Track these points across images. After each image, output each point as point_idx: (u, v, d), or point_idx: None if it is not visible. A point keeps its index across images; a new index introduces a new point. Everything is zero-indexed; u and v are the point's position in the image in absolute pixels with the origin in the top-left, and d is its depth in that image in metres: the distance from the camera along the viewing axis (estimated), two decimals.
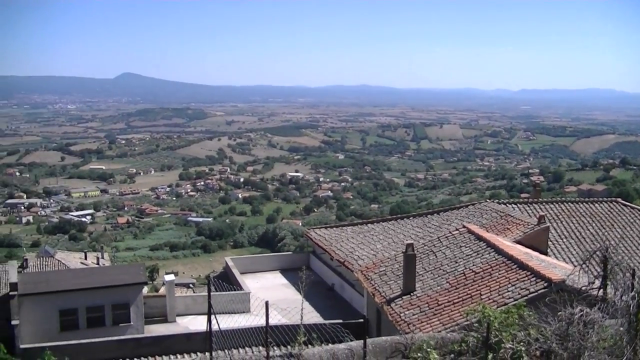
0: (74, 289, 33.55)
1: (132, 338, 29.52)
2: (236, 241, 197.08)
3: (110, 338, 28.59)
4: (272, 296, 32.18)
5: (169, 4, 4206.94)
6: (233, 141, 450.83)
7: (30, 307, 32.11)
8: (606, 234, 36.83)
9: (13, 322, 30.88)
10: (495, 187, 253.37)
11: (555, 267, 25.27)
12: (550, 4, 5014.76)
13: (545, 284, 21.71)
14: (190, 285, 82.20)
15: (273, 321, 17.36)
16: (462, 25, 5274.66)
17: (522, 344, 12.67)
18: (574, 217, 38.58)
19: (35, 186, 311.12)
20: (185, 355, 27.70)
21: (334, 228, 45.19)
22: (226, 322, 18.66)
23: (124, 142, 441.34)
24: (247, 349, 23.28)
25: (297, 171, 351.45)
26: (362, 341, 13.61)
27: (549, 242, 33.37)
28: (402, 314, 24.61)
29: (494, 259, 25.72)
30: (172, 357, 27.93)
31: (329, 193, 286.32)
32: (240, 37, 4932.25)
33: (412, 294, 25.94)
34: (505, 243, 28.17)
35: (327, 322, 25.55)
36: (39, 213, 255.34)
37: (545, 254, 30.88)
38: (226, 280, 38.92)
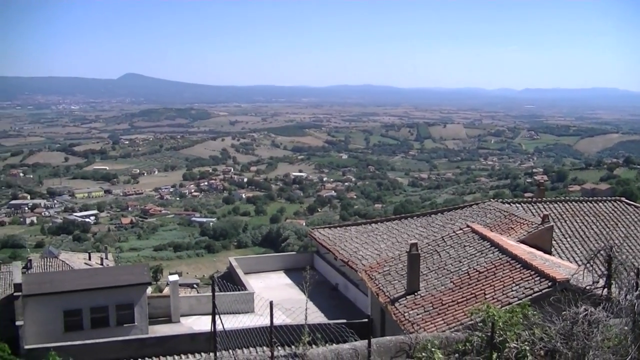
0: (78, 290, 33.60)
1: (136, 338, 29.57)
2: (240, 241, 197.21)
3: (114, 338, 28.65)
4: (276, 296, 32.10)
5: (172, 4, 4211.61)
6: (236, 141, 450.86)
7: (35, 308, 32.14)
8: (610, 233, 36.76)
9: (17, 323, 30.91)
10: (499, 187, 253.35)
11: (559, 266, 25.25)
12: (554, 3, 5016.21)
13: (550, 284, 21.68)
14: (194, 286, 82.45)
15: (277, 321, 17.37)
16: (465, 25, 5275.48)
17: (526, 343, 12.67)
18: (578, 217, 38.50)
19: (39, 187, 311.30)
20: (190, 356, 27.73)
21: (338, 228, 45.15)
22: (230, 322, 18.68)
23: (127, 142, 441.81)
24: (251, 349, 23.29)
25: (300, 171, 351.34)
26: (366, 341, 13.61)
27: (553, 242, 33.31)
28: (406, 314, 24.59)
29: (498, 258, 25.69)
30: (176, 357, 27.97)
31: (333, 193, 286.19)
32: (244, 37, 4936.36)
33: (416, 293, 25.92)
34: (509, 242, 28.14)
35: (331, 322, 25.53)
36: (42, 214, 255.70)
37: (549, 253, 30.84)
38: (230, 281, 38.94)
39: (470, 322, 15.68)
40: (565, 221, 37.79)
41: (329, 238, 42.17)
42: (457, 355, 13.39)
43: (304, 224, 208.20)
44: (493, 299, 22.42)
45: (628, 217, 38.96)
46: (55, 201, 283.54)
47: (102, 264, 74.70)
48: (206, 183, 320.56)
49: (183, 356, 27.93)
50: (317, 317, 32.48)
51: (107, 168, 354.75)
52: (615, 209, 39.82)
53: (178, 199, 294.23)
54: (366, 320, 25.15)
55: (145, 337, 30.15)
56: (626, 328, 12.50)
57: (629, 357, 11.92)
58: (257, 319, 26.26)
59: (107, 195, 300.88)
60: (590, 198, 43.54)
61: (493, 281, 24.10)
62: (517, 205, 38.81)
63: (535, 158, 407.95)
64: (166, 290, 48.24)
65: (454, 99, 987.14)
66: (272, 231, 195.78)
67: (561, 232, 36.39)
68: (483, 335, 13.14)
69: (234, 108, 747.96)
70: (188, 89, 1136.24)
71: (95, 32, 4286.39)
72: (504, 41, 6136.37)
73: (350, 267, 36.43)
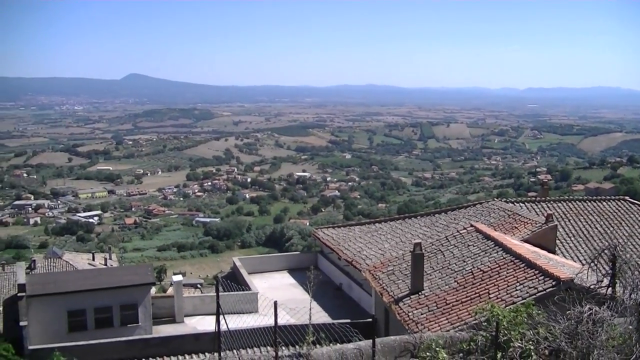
0: (82, 290, 33.57)
1: (141, 338, 29.55)
2: (244, 241, 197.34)
3: (118, 339, 28.63)
4: (280, 296, 32.18)
5: (175, 4, 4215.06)
6: (240, 141, 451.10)
7: (39, 308, 32.15)
8: (614, 232, 36.71)
9: (21, 323, 30.94)
10: (503, 186, 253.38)
11: (563, 265, 25.21)
12: (557, 3, 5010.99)
13: (554, 283, 21.67)
14: (198, 286, 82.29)
15: (281, 321, 17.36)
16: (468, 25, 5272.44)
17: (531, 342, 12.64)
18: (582, 216, 38.46)
19: (43, 187, 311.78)
20: (194, 356, 27.72)
21: (342, 228, 45.15)
22: (234, 322, 18.67)
23: (131, 142, 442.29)
24: (255, 349, 23.31)
25: (304, 171, 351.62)
26: (370, 341, 13.59)
27: (557, 241, 33.28)
28: (410, 313, 24.59)
29: (502, 257, 25.67)
30: (180, 357, 27.95)
31: (336, 193, 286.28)
32: (247, 37, 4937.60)
33: (420, 293, 25.92)
34: (513, 242, 28.11)
35: (335, 321, 25.54)
36: (46, 214, 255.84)
37: (554, 252, 30.81)
38: (234, 281, 38.92)
39: (474, 322, 15.65)
40: (569, 220, 37.75)
41: (332, 238, 42.17)
42: (461, 354, 13.36)
43: (308, 223, 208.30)
44: (497, 298, 22.40)
45: (632, 216, 38.90)
46: (58, 202, 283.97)
47: (105, 265, 74.79)
48: (210, 183, 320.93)
49: (187, 356, 27.92)
50: (321, 317, 32.55)
51: (111, 168, 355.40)
52: (619, 208, 39.77)
53: (182, 199, 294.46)
54: (370, 320, 25.14)
55: (149, 338, 30.13)
56: (631, 327, 12.48)
57: (634, 356, 11.89)
58: (261, 319, 26.28)
59: (110, 195, 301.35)
60: (594, 197, 43.55)
61: (497, 280, 24.09)
62: (521, 204, 38.77)
63: (538, 157, 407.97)
64: (170, 291, 48.18)
65: (457, 99, 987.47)
66: (275, 231, 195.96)
67: (565, 231, 36.34)
68: (487, 335, 13.11)
69: (237, 108, 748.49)
70: (191, 89, 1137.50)
71: (99, 32, 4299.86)
72: (507, 40, 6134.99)
73: (354, 266, 36.43)
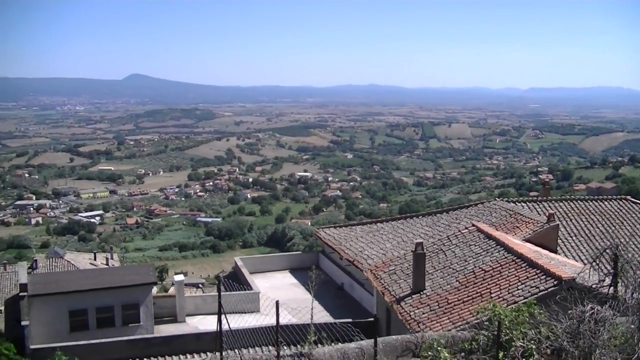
0: (84, 290, 33.58)
1: (142, 338, 29.55)
2: (245, 241, 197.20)
3: (120, 338, 28.63)
4: (281, 296, 32.10)
5: (176, 4, 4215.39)
6: (241, 141, 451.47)
7: (40, 308, 32.16)
8: (616, 231, 36.67)
9: (23, 323, 31.02)
10: (504, 186, 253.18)
11: (565, 265, 25.21)
12: (558, 3, 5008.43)
13: (556, 282, 21.67)
14: (200, 285, 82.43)
15: (283, 321, 17.34)
16: (470, 25, 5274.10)
17: (532, 342, 12.65)
18: (584, 215, 38.44)
19: (44, 187, 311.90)
20: (195, 355, 27.70)
21: (343, 227, 45.16)
22: (236, 321, 18.65)
23: (132, 143, 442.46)
24: (257, 348, 23.28)
25: (305, 171, 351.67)
26: (372, 340, 13.61)
27: (559, 240, 33.24)
28: (412, 313, 24.59)
29: (504, 257, 25.66)
30: (182, 357, 27.94)
31: (338, 192, 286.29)
32: (249, 37, 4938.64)
33: (421, 292, 25.91)
34: (515, 241, 28.10)
35: (337, 321, 25.54)
36: (48, 214, 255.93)
37: (555, 252, 30.79)
38: (236, 280, 38.92)
39: (476, 321, 15.64)
40: (571, 220, 37.73)
41: (334, 238, 42.17)
42: (463, 354, 13.37)
43: (309, 223, 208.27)
44: (499, 297, 22.40)
45: (634, 215, 38.87)
46: (60, 202, 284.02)
47: (107, 264, 74.77)
48: (211, 183, 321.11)
49: (189, 356, 27.91)
50: (322, 316, 32.45)
51: (113, 168, 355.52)
52: (621, 208, 39.74)
53: (183, 199, 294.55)
54: (372, 319, 25.14)
55: (151, 337, 30.14)
56: (633, 326, 12.48)
57: (636, 355, 11.89)
58: (262, 319, 26.25)
59: (112, 195, 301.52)
60: (596, 197, 43.52)
61: (499, 280, 24.08)
62: (523, 204, 38.74)
63: (540, 157, 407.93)
64: (172, 290, 48.24)
65: (458, 99, 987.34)
66: (277, 231, 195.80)
67: (567, 230, 36.32)
68: (489, 334, 13.12)
69: (238, 108, 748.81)
70: (193, 90, 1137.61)
71: (100, 33, 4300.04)
72: (508, 40, 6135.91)
73: (355, 266, 36.42)
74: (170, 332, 31.84)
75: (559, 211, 37.85)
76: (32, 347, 28.15)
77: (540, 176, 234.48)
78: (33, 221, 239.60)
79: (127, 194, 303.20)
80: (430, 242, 30.96)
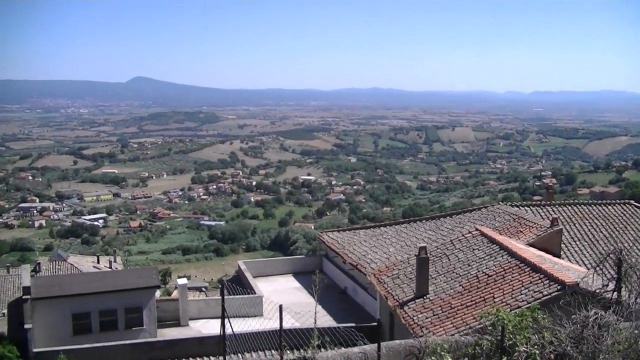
0: (87, 293, 33.60)
1: (145, 342, 29.60)
2: (249, 245, 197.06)
3: (123, 342, 28.69)
4: (285, 300, 32.14)
5: (180, 7, 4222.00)
6: (245, 144, 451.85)
7: (44, 311, 32.17)
8: (619, 236, 36.63)
9: (26, 326, 30.96)
10: (508, 190, 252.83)
11: (568, 269, 25.17)
12: (562, 6, 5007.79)
13: (559, 287, 21.61)
14: (203, 289, 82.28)
15: (286, 325, 17.37)
16: (473, 28, 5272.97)
17: (536, 347, 12.63)
18: (587, 220, 38.39)
19: (48, 190, 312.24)
20: (198, 359, 27.72)
21: (347, 231, 45.13)
22: (239, 325, 18.68)
23: (136, 145, 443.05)
24: (260, 352, 23.31)
25: (309, 174, 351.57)
26: (376, 345, 13.59)
27: (562, 245, 33.22)
28: (415, 317, 24.55)
29: (507, 261, 25.62)
30: None
31: (342, 196, 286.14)
32: (252, 40, 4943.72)
33: (425, 297, 25.87)
34: (518, 246, 28.07)
35: (340, 325, 25.53)
36: (51, 217, 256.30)
37: (559, 256, 30.74)
38: (239, 284, 38.94)
39: (479, 326, 15.68)
40: (575, 224, 37.69)
41: (337, 241, 42.15)
42: (466, 358, 13.36)
43: (313, 227, 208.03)
44: (502, 302, 22.36)
45: (637, 220, 38.81)
46: (64, 204, 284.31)
47: (110, 267, 74.78)
48: (215, 186, 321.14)
49: (192, 359, 27.93)
50: (326, 320, 32.47)
51: (116, 171, 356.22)
52: (625, 212, 39.69)
53: (187, 202, 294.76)
54: (375, 324, 25.13)
55: (154, 341, 30.18)
56: (637, 331, 12.46)
57: None
58: (266, 323, 26.26)
59: (115, 198, 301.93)
60: (599, 201, 43.45)
61: (502, 285, 24.04)
62: (526, 208, 38.72)
63: (544, 161, 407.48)
64: (175, 294, 48.15)
65: (462, 102, 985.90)
66: (280, 234, 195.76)
67: (570, 235, 36.28)
68: (493, 339, 13.11)
69: (242, 111, 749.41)
70: (197, 93, 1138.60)
71: (104, 35, 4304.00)
72: (512, 44, 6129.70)
73: (359, 270, 36.41)
74: (173, 336, 31.87)
75: (562, 215, 37.81)
76: (35, 350, 28.18)
77: (544, 180, 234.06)
78: (36, 224, 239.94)
79: (130, 197, 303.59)
80: (433, 247, 30.90)
